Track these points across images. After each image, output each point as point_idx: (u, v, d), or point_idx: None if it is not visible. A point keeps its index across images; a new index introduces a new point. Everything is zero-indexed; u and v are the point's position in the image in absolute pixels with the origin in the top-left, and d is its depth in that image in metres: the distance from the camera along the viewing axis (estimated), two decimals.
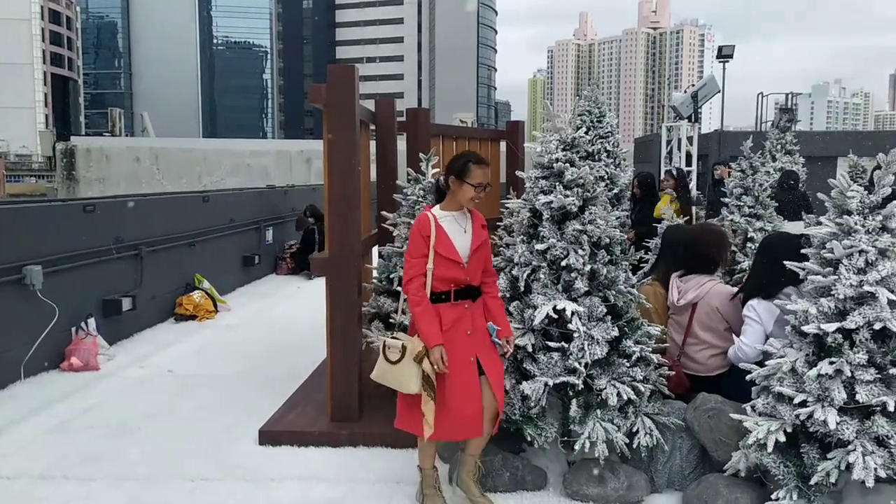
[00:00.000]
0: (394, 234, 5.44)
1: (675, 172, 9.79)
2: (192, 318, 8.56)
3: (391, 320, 5.19)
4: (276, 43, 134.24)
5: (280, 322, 8.56)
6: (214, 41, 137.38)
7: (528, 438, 4.02)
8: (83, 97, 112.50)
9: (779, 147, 14.85)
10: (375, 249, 6.06)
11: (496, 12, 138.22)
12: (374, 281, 5.51)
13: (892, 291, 3.25)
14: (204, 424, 5.12)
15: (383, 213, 5.71)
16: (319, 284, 5.04)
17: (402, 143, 6.31)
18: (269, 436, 4.73)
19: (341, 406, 4.84)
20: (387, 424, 4.81)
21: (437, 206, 3.76)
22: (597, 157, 11.07)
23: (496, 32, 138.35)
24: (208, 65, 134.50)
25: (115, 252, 7.47)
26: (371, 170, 6.15)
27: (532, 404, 3.92)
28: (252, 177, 14.31)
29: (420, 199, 5.33)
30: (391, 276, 5.30)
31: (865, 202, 3.46)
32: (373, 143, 6.26)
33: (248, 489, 4.15)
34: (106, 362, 6.67)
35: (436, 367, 3.51)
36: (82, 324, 6.76)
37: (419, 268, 3.61)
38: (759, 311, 4.11)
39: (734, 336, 4.35)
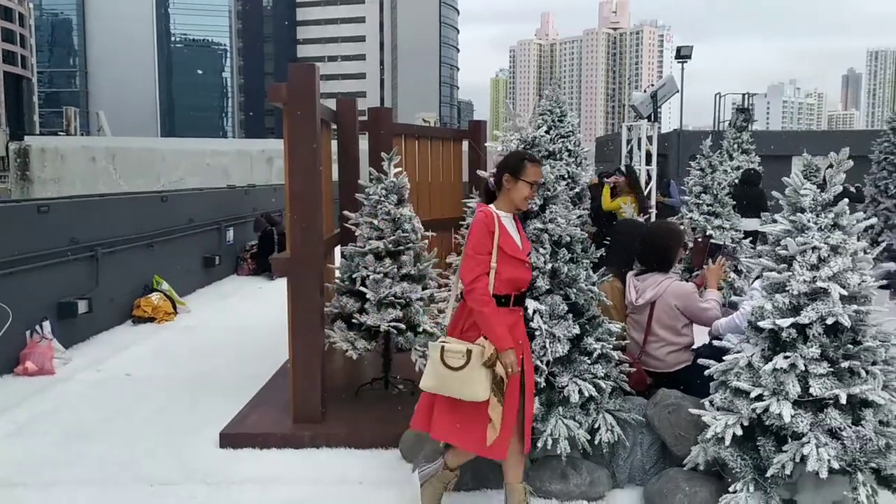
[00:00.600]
0: (356, 234, 5.42)
1: (624, 169, 9.81)
2: (151, 320, 8.42)
3: (354, 320, 5.18)
4: (235, 41, 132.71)
5: (241, 323, 8.47)
6: (172, 39, 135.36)
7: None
8: (37, 96, 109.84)
9: (736, 146, 15.13)
10: (338, 249, 6.04)
11: (458, 11, 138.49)
12: (337, 281, 5.48)
13: (843, 287, 3.32)
14: (163, 428, 5.04)
15: (345, 212, 5.68)
16: (281, 285, 5.01)
17: (364, 143, 6.29)
18: (230, 438, 4.68)
19: (304, 407, 4.81)
20: (350, 425, 4.82)
21: (493, 205, 3.58)
22: (558, 156, 11.11)
23: (458, 32, 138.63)
24: (166, 63, 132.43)
25: (71, 253, 7.32)
26: (333, 169, 6.12)
27: None
28: (212, 176, 14.13)
29: (382, 199, 5.32)
30: (354, 275, 5.28)
31: (818, 200, 3.54)
32: (334, 143, 6.23)
33: (208, 492, 4.10)
34: (62, 366, 6.53)
35: (510, 370, 3.34)
36: (37, 327, 6.61)
37: (484, 266, 3.40)
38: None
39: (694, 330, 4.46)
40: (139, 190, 10.39)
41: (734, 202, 10.63)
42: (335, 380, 5.73)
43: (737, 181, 12.35)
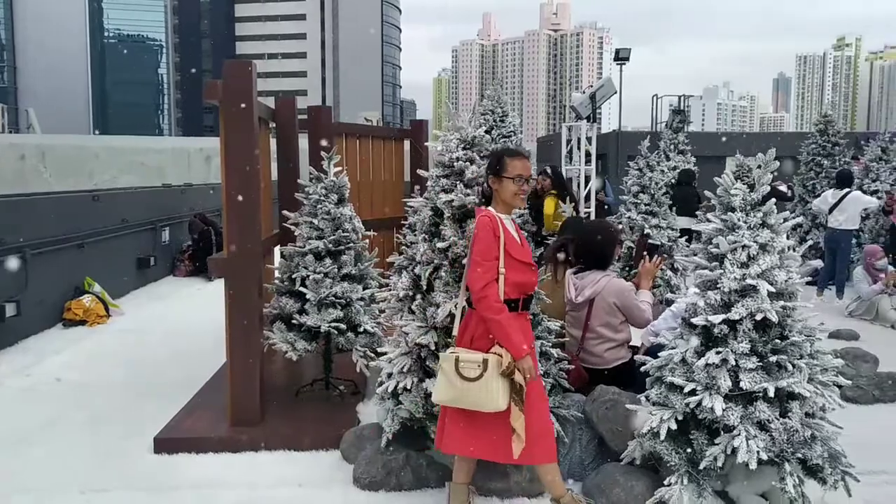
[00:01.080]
0: (296, 234, 5.36)
1: (549, 171, 9.87)
2: (82, 323, 8.17)
3: (294, 321, 5.12)
4: (171, 36, 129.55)
5: (178, 326, 8.28)
6: (105, 34, 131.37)
7: (432, 436, 4.03)
8: None
9: (672, 147, 15.47)
10: (277, 249, 5.96)
11: (400, 10, 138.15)
12: (276, 281, 5.41)
13: (771, 284, 3.43)
14: (96, 434, 4.90)
15: (285, 212, 5.61)
16: (220, 286, 4.91)
17: (304, 142, 6.23)
18: (166, 443, 4.57)
19: (242, 410, 4.73)
20: (290, 427, 4.76)
21: (491, 208, 3.51)
22: None
23: (401, 31, 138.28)
24: (99, 59, 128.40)
25: None
26: (272, 168, 6.04)
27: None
28: (147, 175, 13.72)
29: (322, 198, 5.27)
30: (293, 276, 5.22)
31: (747, 199, 3.64)
32: (273, 142, 6.14)
33: (143, 499, 4.01)
34: None
35: (528, 377, 3.25)
36: None
37: (493, 272, 3.31)
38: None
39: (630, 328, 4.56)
40: (71, 189, 10.05)
41: (671, 202, 10.86)
42: (275, 382, 5.66)
43: (673, 181, 12.64)
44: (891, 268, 8.63)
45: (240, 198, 4.62)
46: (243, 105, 4.60)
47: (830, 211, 9.29)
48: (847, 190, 9.34)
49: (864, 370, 5.76)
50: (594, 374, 4.54)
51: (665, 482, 3.50)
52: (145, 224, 11.21)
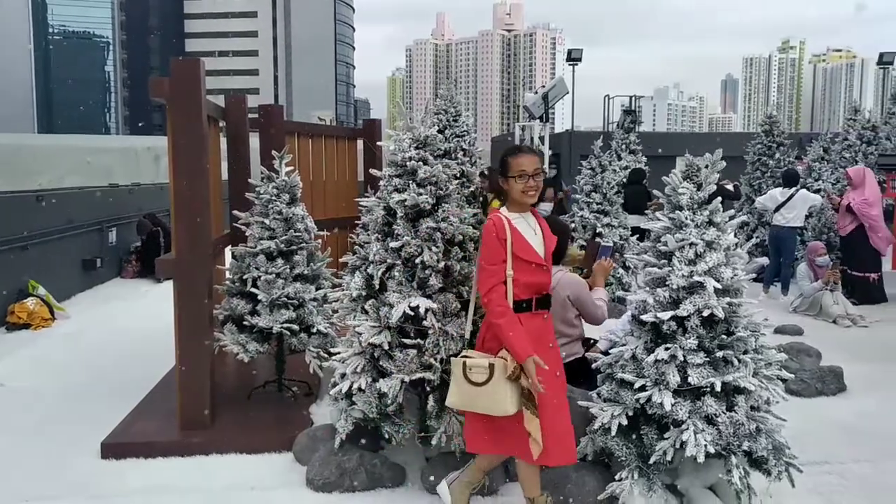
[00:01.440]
0: (247, 234, 5.30)
1: (487, 172, 9.91)
2: (26, 326, 7.95)
3: (245, 322, 5.06)
4: (118, 33, 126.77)
5: (126, 328, 8.09)
6: (50, 30, 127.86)
7: (386, 436, 4.03)
8: None
9: (624, 147, 15.71)
10: (228, 250, 5.88)
11: (353, 9, 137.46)
12: (227, 282, 5.34)
13: (717, 280, 3.51)
14: (40, 440, 4.77)
15: (235, 212, 5.54)
16: (169, 287, 4.82)
17: (255, 141, 6.15)
18: (113, 448, 4.47)
19: (191, 413, 4.65)
20: (241, 430, 4.71)
21: (504, 209, 3.45)
22: (453, 155, 11.23)
23: (354, 29, 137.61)
24: (43, 56, 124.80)
25: None
26: (222, 168, 5.95)
27: (389, 402, 3.93)
28: (94, 175, 13.40)
29: (274, 198, 5.22)
30: (245, 276, 5.16)
31: (695, 198, 3.72)
32: (224, 141, 6.06)
33: None
34: None
35: (531, 381, 3.15)
36: None
37: (499, 275, 3.26)
38: None
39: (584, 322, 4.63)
40: (13, 189, 9.75)
41: (623, 200, 11.01)
42: (226, 384, 5.58)
43: (625, 180, 12.83)
44: (828, 262, 8.87)
45: (188, 197, 4.54)
46: (191, 103, 4.53)
47: (778, 209, 9.52)
48: (795, 189, 9.60)
49: (807, 364, 5.93)
50: None
51: (616, 477, 3.55)
52: (92, 225, 10.95)
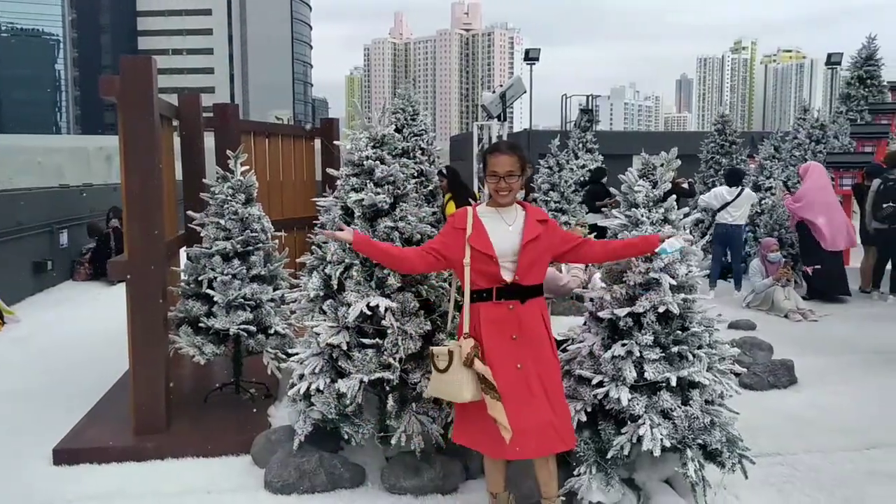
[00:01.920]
0: (202, 235, 5.22)
1: (444, 171, 9.88)
2: None
3: (201, 324, 4.98)
4: (69, 31, 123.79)
5: (78, 332, 7.92)
6: None
7: (346, 436, 4.01)
8: None
9: (581, 146, 15.88)
10: (183, 251, 5.79)
11: (310, 7, 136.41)
12: (182, 284, 5.26)
13: (672, 277, 3.56)
14: None
15: (190, 213, 5.45)
16: (122, 290, 4.72)
17: (210, 140, 6.07)
18: (65, 454, 4.37)
19: (146, 417, 4.56)
20: (198, 433, 4.64)
21: (484, 203, 3.49)
22: (411, 154, 11.23)
23: (311, 28, 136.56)
24: None
25: None
26: (177, 168, 5.86)
27: (348, 402, 3.90)
28: (44, 175, 13.12)
29: (229, 198, 5.15)
30: (200, 278, 5.08)
31: (650, 196, 3.77)
32: (177, 140, 5.96)
33: None
34: None
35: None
36: None
37: (427, 245, 3.47)
38: None
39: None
40: None
41: (582, 199, 11.12)
42: (182, 387, 5.49)
43: (583, 178, 12.97)
44: (783, 259, 9.07)
45: (141, 198, 4.46)
46: (143, 102, 4.44)
47: (724, 207, 9.71)
48: (741, 187, 9.81)
49: (759, 358, 6.05)
50: None
51: (574, 472, 3.58)
52: (42, 226, 10.68)
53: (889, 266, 9.23)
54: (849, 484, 4.09)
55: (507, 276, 3.30)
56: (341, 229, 3.56)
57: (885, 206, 8.84)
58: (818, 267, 9.22)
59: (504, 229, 3.36)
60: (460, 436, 3.47)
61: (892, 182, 8.88)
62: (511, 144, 3.49)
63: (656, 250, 3.48)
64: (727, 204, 9.69)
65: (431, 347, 3.47)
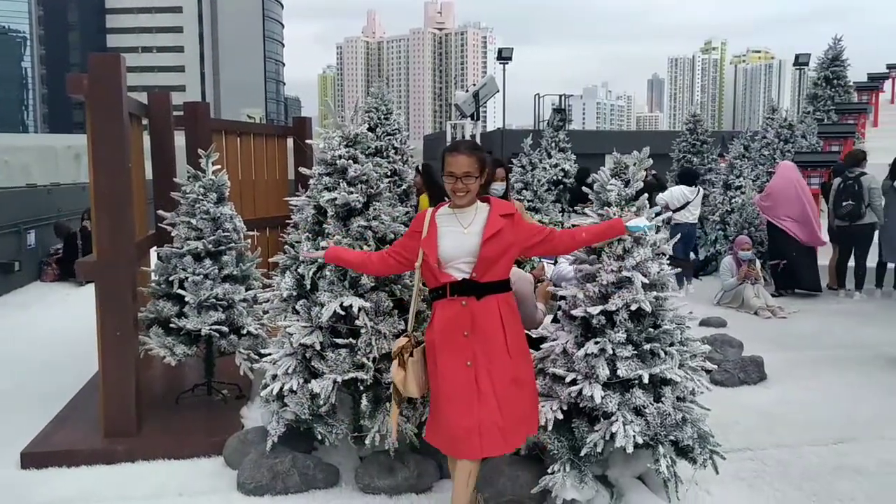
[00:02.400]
0: (173, 235, 5.17)
1: (420, 169, 9.89)
2: None
3: (172, 325, 4.93)
4: (36, 28, 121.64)
5: (46, 334, 7.79)
6: None
7: (319, 437, 3.99)
8: None
9: (554, 145, 15.93)
10: (154, 251, 5.72)
11: (282, 5, 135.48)
12: (153, 284, 5.19)
13: (645, 275, 3.59)
14: None
15: (160, 212, 5.39)
16: (91, 290, 4.65)
17: (181, 140, 6.00)
18: (34, 458, 4.30)
19: (116, 420, 4.50)
20: (169, 435, 4.59)
21: (447, 204, 3.41)
22: (384, 153, 11.23)
23: (283, 26, 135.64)
24: None
25: None
26: (147, 167, 5.79)
27: (321, 402, 3.89)
28: (10, 175, 12.90)
29: (201, 198, 5.10)
30: (171, 278, 5.03)
31: (622, 194, 3.80)
32: (147, 139, 5.89)
33: None
34: None
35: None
36: None
37: (391, 249, 3.50)
38: None
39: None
40: None
41: (556, 198, 11.18)
42: (153, 389, 5.44)
43: (555, 178, 13.05)
44: (751, 256, 9.16)
45: (109, 197, 4.40)
46: (111, 100, 4.38)
47: (685, 206, 9.87)
48: (698, 187, 10.02)
49: (730, 355, 6.13)
50: None
51: (549, 470, 3.60)
52: (9, 227, 10.51)
53: (852, 263, 9.39)
54: (816, 478, 4.16)
55: (459, 275, 3.24)
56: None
57: (844, 204, 9.01)
58: (783, 262, 9.36)
59: (458, 232, 3.28)
60: (426, 432, 3.44)
61: (851, 181, 9.05)
62: (471, 145, 3.43)
63: (627, 225, 3.51)
64: (688, 203, 9.84)
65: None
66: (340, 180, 4.04)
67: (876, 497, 3.94)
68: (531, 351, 3.97)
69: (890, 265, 9.33)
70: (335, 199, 3.98)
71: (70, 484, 4.10)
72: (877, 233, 9.14)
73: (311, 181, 4.18)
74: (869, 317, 8.31)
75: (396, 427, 3.39)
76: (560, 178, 13.78)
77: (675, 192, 10.03)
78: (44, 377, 6.12)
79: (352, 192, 4.00)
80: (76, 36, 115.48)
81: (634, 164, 3.87)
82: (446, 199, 3.39)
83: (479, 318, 3.23)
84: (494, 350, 3.23)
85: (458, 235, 3.27)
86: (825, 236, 9.67)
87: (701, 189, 10.11)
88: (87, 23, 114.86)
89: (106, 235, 4.43)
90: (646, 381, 3.48)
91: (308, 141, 7.40)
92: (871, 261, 9.34)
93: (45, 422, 4.82)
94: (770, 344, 6.95)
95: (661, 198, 10.03)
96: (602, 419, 3.54)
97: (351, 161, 4.06)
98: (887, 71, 17.93)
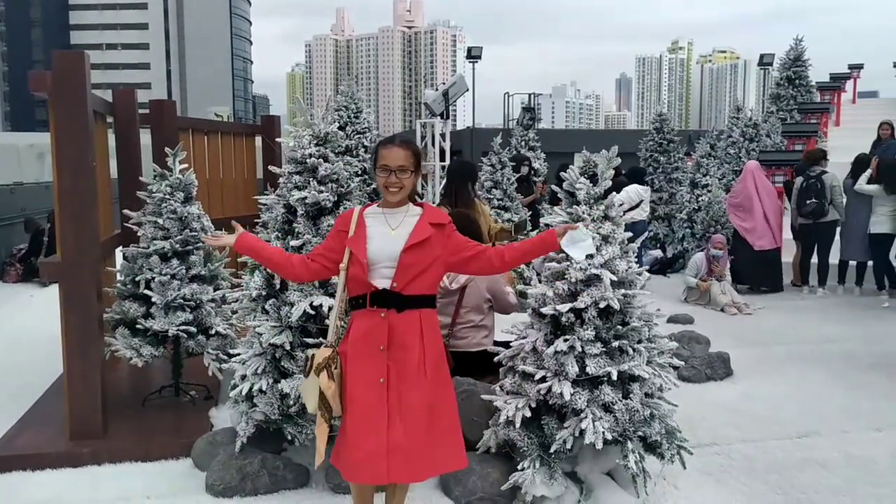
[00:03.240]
0: (139, 234, 5.10)
1: None
2: None
3: (138, 326, 4.87)
4: None
5: (9, 336, 7.63)
6: None
7: (289, 437, 3.97)
8: None
9: (523, 143, 16.01)
10: (119, 251, 5.64)
11: (250, 2, 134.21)
12: (118, 284, 5.12)
13: (613, 273, 3.62)
14: None
15: (126, 211, 5.32)
16: (55, 291, 4.57)
17: (147, 138, 5.92)
18: None
19: (82, 422, 4.43)
20: (136, 437, 4.54)
21: (376, 204, 3.18)
22: (355, 152, 11.19)
23: (251, 23, 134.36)
24: None
25: None
26: (112, 166, 5.71)
27: (291, 402, 3.87)
28: None
29: (167, 197, 5.04)
30: (137, 278, 4.96)
31: (591, 193, 3.83)
32: (112, 137, 5.80)
33: None
34: None
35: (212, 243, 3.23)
36: None
37: (315, 252, 3.19)
38: None
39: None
40: None
41: (521, 196, 11.22)
42: (119, 390, 5.36)
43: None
44: (721, 255, 9.26)
45: (73, 196, 4.33)
46: (75, 97, 4.31)
47: (639, 204, 10.03)
48: (648, 185, 10.21)
49: (697, 351, 6.21)
50: (460, 357, 4.58)
51: (518, 467, 3.62)
52: None
53: (815, 260, 9.57)
54: (782, 472, 4.23)
55: (381, 283, 2.98)
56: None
57: (808, 202, 9.17)
58: (732, 257, 9.52)
59: (385, 233, 3.05)
60: (333, 454, 3.12)
61: (813, 179, 9.22)
62: (406, 139, 3.23)
63: (565, 248, 3.07)
64: (642, 201, 10.01)
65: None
66: (311, 179, 4.03)
67: (840, 490, 4.02)
68: (500, 348, 4.00)
69: (851, 262, 9.52)
70: (305, 198, 3.96)
71: (35, 488, 4.03)
72: (838, 230, 9.33)
73: (281, 180, 4.16)
74: (832, 313, 8.48)
75: (324, 448, 3.00)
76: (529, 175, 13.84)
77: (631, 192, 10.16)
78: (7, 379, 5.99)
79: (322, 191, 3.99)
80: (39, 32, 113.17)
81: (605, 163, 3.91)
82: (416, 199, 3.20)
83: (397, 332, 2.98)
84: (410, 368, 2.97)
85: (385, 237, 3.05)
86: (787, 234, 9.86)
87: (649, 186, 10.31)
88: (50, 19, 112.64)
89: (70, 235, 4.36)
90: (614, 377, 3.51)
91: (277, 139, 7.35)
92: (832, 258, 9.52)
93: (8, 425, 4.73)
94: (736, 340, 7.05)
95: (619, 198, 10.10)
96: (571, 416, 3.57)
97: (321, 160, 4.04)
98: (849, 71, 18.30)
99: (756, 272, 9.61)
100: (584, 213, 3.76)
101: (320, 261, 3.15)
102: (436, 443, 3.00)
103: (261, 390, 3.89)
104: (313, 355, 3.03)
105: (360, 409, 2.94)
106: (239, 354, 4.06)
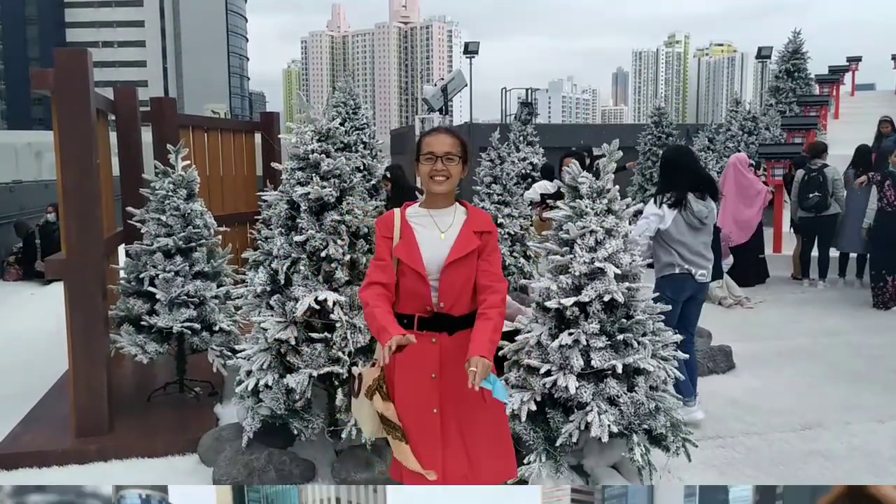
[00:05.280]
0: (142, 232, 5.11)
1: (388, 174, 9.63)
2: None
3: (143, 322, 4.87)
4: None
5: (11, 335, 7.64)
6: None
7: (295, 432, 3.98)
8: None
9: (521, 138, 15.99)
10: (122, 248, 5.65)
11: None
12: (122, 282, 5.13)
13: (617, 266, 3.64)
14: None
15: (129, 209, 5.32)
16: (57, 290, 4.58)
17: (147, 135, 5.92)
18: (3, 460, 4.24)
19: (87, 419, 4.45)
20: (142, 433, 4.55)
21: (417, 203, 2.88)
22: (353, 148, 11.18)
23: (247, 20, 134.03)
24: None
25: None
26: (113, 163, 5.71)
27: (297, 397, 3.88)
28: None
29: (170, 194, 5.05)
30: (141, 275, 4.97)
31: (594, 187, 3.84)
32: (113, 135, 5.80)
33: None
34: None
35: (380, 360, 2.50)
36: None
37: (375, 274, 2.74)
38: (646, 211, 4.74)
39: None
40: None
41: (521, 192, 11.19)
42: (124, 387, 5.37)
43: (524, 172, 13.12)
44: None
45: (77, 194, 4.34)
46: (78, 95, 4.32)
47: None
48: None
49: (699, 344, 6.21)
50: None
51: (524, 461, 3.63)
52: None
53: (816, 253, 9.58)
54: (785, 463, 4.26)
55: (435, 301, 2.72)
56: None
57: (810, 195, 9.17)
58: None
59: (435, 237, 2.75)
60: (394, 471, 2.90)
61: (815, 172, 9.22)
62: (453, 128, 3.00)
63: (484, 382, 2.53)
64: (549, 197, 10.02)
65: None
66: (313, 175, 4.03)
67: (844, 481, 4.04)
68: (504, 343, 4.01)
69: (851, 255, 9.54)
70: (308, 193, 3.97)
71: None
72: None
73: (284, 176, 4.16)
74: (833, 305, 8.49)
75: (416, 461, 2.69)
76: (528, 171, 13.84)
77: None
78: (11, 377, 6.01)
79: (325, 187, 3.99)
80: (34, 30, 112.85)
81: (602, 157, 3.91)
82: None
83: (449, 359, 2.70)
84: (467, 394, 2.61)
85: (435, 240, 2.75)
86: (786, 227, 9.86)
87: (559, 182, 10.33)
88: (45, 17, 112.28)
89: (74, 233, 4.37)
90: (619, 371, 3.53)
91: (279, 136, 7.36)
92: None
93: (13, 422, 4.74)
94: (737, 334, 7.07)
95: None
96: (577, 409, 3.58)
97: (324, 155, 4.04)
98: (847, 64, 18.32)
99: (746, 268, 9.59)
100: (586, 206, 3.77)
101: (390, 279, 2.76)
102: (491, 452, 2.80)
103: (266, 385, 3.90)
104: (360, 374, 2.77)
105: (412, 441, 2.70)
106: (244, 350, 4.07)
